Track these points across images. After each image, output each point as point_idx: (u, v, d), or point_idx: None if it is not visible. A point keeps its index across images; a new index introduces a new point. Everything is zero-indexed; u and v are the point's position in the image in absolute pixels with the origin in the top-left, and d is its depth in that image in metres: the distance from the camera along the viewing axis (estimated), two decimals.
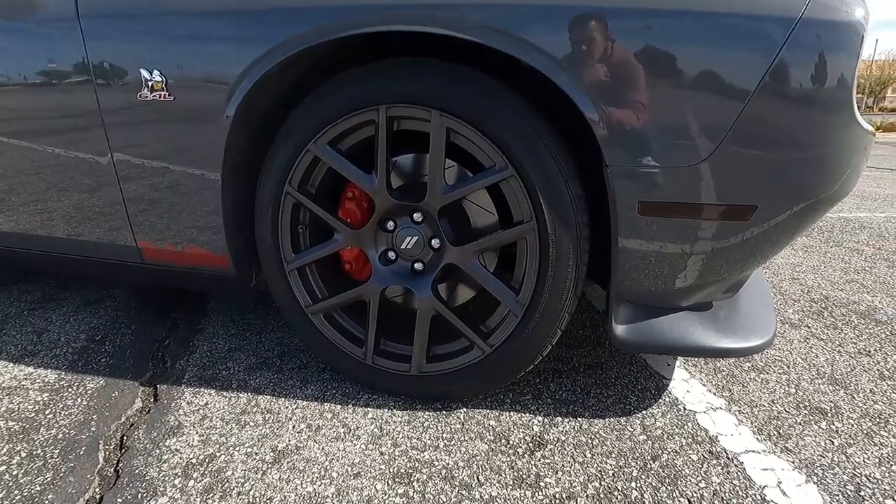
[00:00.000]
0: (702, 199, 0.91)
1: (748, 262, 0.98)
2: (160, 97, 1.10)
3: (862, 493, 0.91)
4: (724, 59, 0.83)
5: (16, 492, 0.90)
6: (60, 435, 1.05)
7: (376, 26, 0.92)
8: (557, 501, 0.88)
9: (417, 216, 1.09)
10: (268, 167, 1.12)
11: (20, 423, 1.09)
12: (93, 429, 1.07)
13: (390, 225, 1.12)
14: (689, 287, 1.00)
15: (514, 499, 0.88)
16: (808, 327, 1.57)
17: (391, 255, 1.14)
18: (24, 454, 0.99)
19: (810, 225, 0.97)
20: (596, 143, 0.93)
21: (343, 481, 0.92)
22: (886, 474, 0.95)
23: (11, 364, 1.33)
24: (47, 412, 1.13)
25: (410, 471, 0.95)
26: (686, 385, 1.24)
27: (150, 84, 1.10)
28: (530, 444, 1.02)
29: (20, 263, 1.52)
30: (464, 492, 0.90)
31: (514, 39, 0.88)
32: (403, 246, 1.12)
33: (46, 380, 1.26)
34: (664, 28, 0.84)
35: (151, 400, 1.18)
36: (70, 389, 1.22)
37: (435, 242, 1.10)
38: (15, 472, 0.94)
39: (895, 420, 1.11)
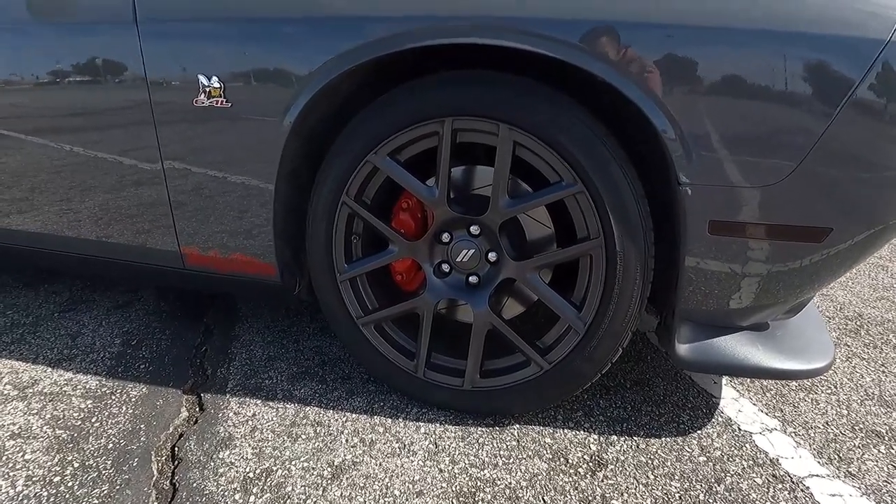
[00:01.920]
0: (776, 219, 0.89)
1: (815, 284, 0.97)
2: (217, 103, 1.09)
3: None
4: (809, 78, 0.82)
5: None
6: (110, 445, 1.03)
7: (457, 38, 0.91)
8: None
9: (474, 229, 1.08)
10: (324, 177, 1.10)
11: (68, 432, 1.07)
12: (142, 439, 1.05)
13: (445, 237, 1.11)
14: (753, 307, 0.99)
15: None
16: (848, 346, 1.56)
17: (445, 267, 1.13)
18: (76, 465, 0.97)
19: (879, 249, 0.96)
20: (665, 160, 0.92)
21: (406, 500, 0.90)
22: None
23: (50, 369, 1.31)
24: (93, 420, 1.11)
25: (473, 490, 0.93)
26: (736, 404, 1.22)
27: (207, 90, 1.08)
28: (590, 464, 1.01)
29: (52, 265, 1.51)
30: None
31: (586, 53, 0.87)
32: (459, 259, 1.10)
33: (88, 386, 1.24)
34: (748, 46, 0.83)
35: (197, 409, 1.17)
36: (113, 397, 1.20)
37: (492, 256, 1.09)
38: (70, 484, 0.92)
39: None
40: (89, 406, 1.16)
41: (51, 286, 1.84)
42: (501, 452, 1.03)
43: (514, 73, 0.98)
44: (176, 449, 1.03)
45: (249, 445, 1.04)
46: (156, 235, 1.28)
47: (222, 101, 1.08)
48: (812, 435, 1.12)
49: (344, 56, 0.97)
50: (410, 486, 0.94)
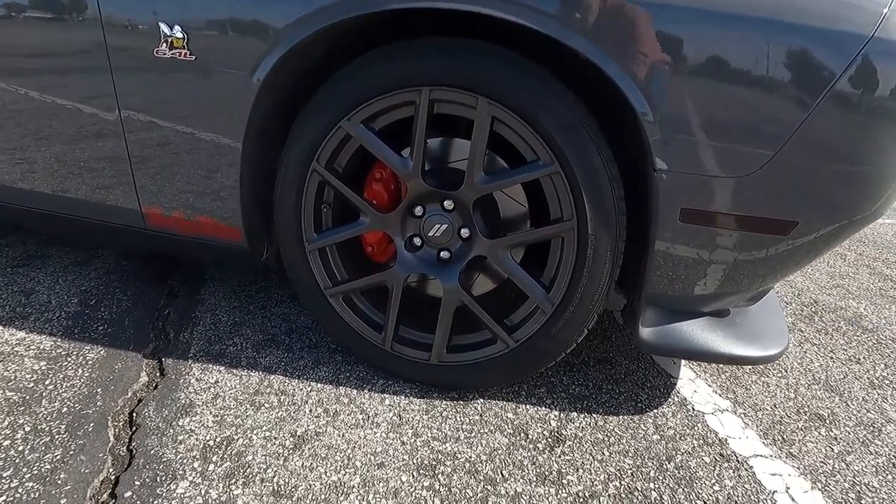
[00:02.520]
0: (747, 210, 0.90)
1: (778, 274, 0.99)
2: (180, 55, 1.02)
3: (863, 502, 0.96)
4: (791, 69, 0.81)
5: (24, 470, 0.86)
6: (65, 409, 1.01)
7: (434, 2, 0.87)
8: (581, 500, 0.90)
9: (448, 204, 1.06)
10: (293, 141, 1.06)
11: (19, 394, 1.04)
12: (98, 403, 1.03)
13: (418, 210, 1.08)
14: (717, 294, 1.01)
15: (539, 496, 0.90)
16: (801, 331, 1.63)
17: (417, 241, 1.11)
18: (28, 428, 0.95)
19: (841, 242, 0.98)
20: (643, 144, 0.91)
21: (367, 471, 0.91)
22: (884, 483, 1.01)
23: (1, 327, 1.26)
24: (47, 382, 1.08)
25: (434, 462, 0.95)
26: (693, 385, 1.27)
27: (168, 40, 1.01)
28: (549, 440, 1.03)
29: (5, 219, 1.42)
30: (489, 486, 0.91)
31: (566, 27, 0.84)
32: (431, 233, 1.09)
33: (42, 346, 1.20)
34: (733, 31, 0.81)
35: (158, 374, 1.14)
36: (69, 359, 1.16)
37: (464, 232, 1.07)
38: (21, 448, 0.90)
39: (887, 429, 1.17)
40: (43, 368, 1.12)
41: (3, 239, 1.75)
42: (464, 426, 1.05)
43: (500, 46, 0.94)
44: (134, 415, 1.01)
45: (210, 413, 1.03)
46: (116, 193, 1.22)
47: (186, 53, 1.01)
48: (760, 416, 1.18)
49: (321, 11, 0.92)
50: (372, 457, 0.95)
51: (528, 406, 1.13)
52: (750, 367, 1.38)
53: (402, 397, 1.12)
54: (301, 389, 1.12)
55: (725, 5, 0.81)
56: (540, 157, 0.95)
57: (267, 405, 1.06)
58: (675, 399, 1.21)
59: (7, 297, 1.40)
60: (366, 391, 1.13)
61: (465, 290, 1.07)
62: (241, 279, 1.59)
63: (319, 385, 1.14)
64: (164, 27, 1.00)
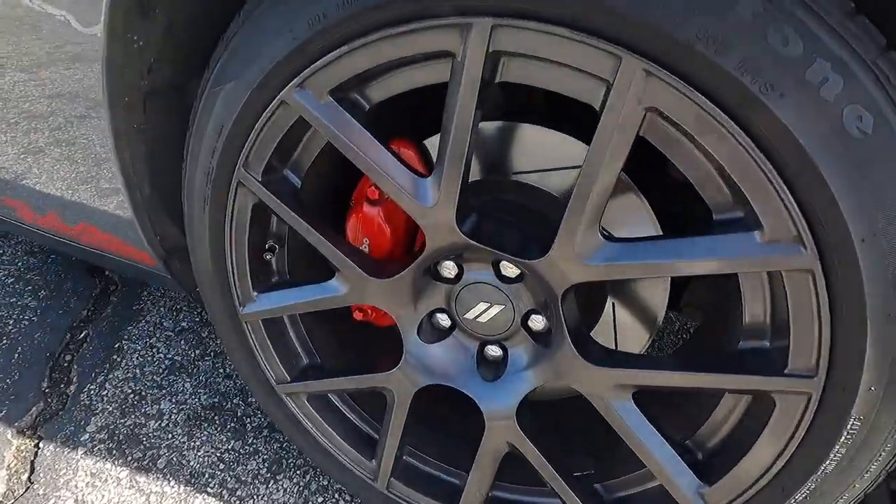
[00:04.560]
0: None
1: None
2: None
3: None
4: None
5: None
6: None
7: None
8: None
9: (509, 269, 0.51)
10: (200, 125, 0.51)
11: None
12: None
13: (449, 269, 0.54)
14: None
15: None
16: None
17: (443, 319, 0.58)
18: None
19: None
20: None
21: None
22: None
23: None
24: None
25: None
26: None
27: None
28: None
29: None
30: None
31: None
32: (470, 315, 0.55)
33: None
34: None
35: (23, 480, 0.73)
36: None
37: (537, 322, 0.53)
38: None
39: None
40: None
41: None
42: None
43: None
44: None
45: None
46: None
47: None
48: None
49: None
50: None
51: None
52: None
53: None
54: None
55: None
56: (764, 223, 0.37)
57: None
58: None
59: None
60: None
61: (525, 429, 0.55)
62: None
63: None
64: None
